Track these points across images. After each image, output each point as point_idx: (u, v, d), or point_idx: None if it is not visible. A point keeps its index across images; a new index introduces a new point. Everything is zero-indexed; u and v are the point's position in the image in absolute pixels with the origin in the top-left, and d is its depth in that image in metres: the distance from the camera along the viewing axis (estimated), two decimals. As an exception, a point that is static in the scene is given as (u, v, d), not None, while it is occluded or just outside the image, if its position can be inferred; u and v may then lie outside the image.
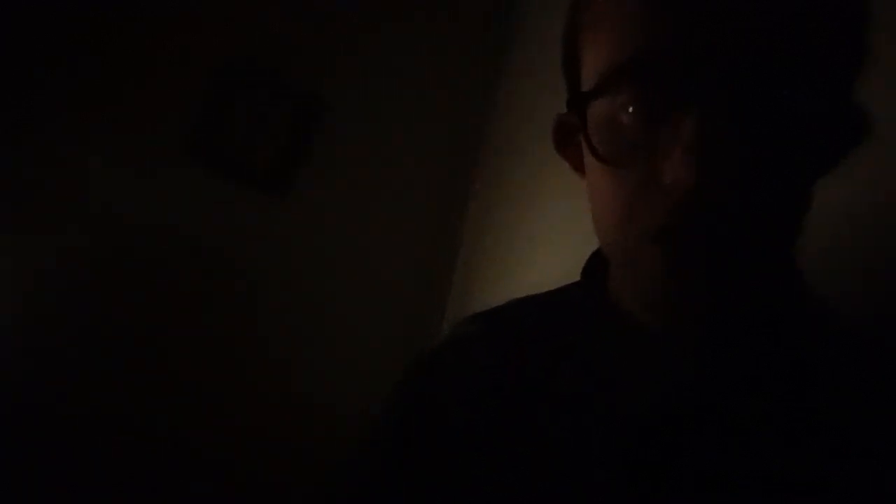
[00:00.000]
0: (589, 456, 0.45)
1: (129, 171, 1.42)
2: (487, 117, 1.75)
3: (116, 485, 1.32)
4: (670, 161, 0.38)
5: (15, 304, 1.31)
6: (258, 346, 1.50)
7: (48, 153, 1.36)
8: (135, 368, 1.38)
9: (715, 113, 0.37)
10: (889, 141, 0.51)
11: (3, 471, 1.24)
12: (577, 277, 0.58)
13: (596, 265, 0.56)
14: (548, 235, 1.31)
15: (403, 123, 1.68)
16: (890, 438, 0.40)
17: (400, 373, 0.62)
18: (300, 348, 1.53)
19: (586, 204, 0.48)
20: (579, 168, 0.50)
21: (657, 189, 0.39)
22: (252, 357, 1.49)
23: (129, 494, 1.32)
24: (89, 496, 1.30)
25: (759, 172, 0.39)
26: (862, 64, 0.42)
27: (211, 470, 1.40)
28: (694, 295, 0.41)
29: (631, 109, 0.41)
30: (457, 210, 1.72)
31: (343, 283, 1.59)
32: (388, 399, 0.61)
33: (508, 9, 1.76)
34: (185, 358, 1.43)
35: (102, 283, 1.38)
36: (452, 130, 1.73)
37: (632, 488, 0.43)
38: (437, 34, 1.71)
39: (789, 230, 0.42)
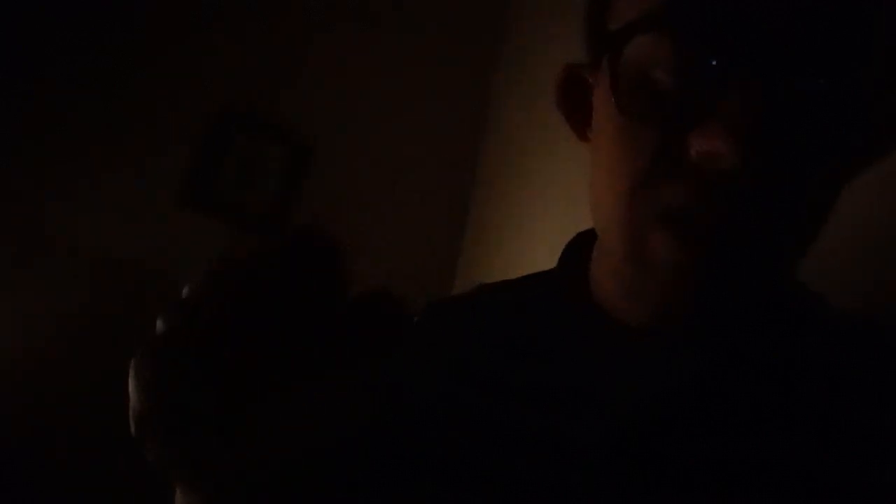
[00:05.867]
0: (568, 456, 0.42)
1: (126, 216, 1.42)
2: (478, 164, 1.77)
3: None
4: (706, 135, 0.33)
5: (9, 347, 1.29)
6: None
7: (44, 197, 1.35)
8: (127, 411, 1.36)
9: (769, 93, 0.33)
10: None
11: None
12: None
13: (575, 252, 0.52)
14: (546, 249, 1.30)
15: (395, 169, 1.69)
16: (888, 436, 0.39)
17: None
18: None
19: (583, 209, 0.45)
20: (582, 131, 0.46)
21: (677, 162, 0.35)
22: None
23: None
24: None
25: (798, 165, 0.35)
26: None
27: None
28: (697, 290, 0.38)
29: (668, 64, 0.35)
30: (452, 248, 1.72)
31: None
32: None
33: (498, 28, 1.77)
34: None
35: (96, 326, 1.37)
36: (444, 168, 1.76)
37: (619, 489, 0.40)
38: (427, 77, 1.73)
39: (809, 233, 0.39)
